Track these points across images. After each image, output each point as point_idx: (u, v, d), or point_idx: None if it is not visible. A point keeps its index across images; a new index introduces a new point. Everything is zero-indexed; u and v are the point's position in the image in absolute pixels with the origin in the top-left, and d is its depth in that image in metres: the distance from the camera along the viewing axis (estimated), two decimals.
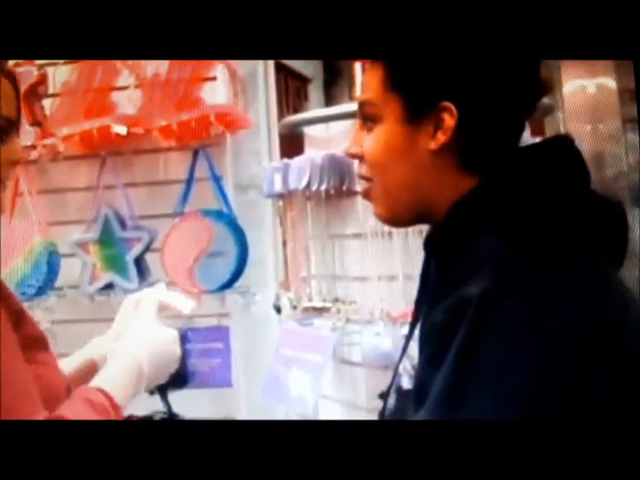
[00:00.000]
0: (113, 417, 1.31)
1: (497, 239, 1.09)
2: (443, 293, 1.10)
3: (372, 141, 1.20)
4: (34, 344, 1.37)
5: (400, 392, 1.19)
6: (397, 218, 1.24)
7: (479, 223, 1.13)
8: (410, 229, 2.28)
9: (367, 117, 1.21)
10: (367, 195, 1.25)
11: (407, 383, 1.20)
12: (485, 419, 0.99)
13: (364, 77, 1.24)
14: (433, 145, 1.16)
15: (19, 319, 1.35)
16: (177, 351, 1.45)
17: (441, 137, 1.16)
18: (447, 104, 1.15)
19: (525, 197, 1.13)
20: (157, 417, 1.66)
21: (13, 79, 1.39)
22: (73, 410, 1.30)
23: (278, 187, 2.63)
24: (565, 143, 1.20)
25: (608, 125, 4.09)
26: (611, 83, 4.14)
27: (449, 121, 1.15)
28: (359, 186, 1.31)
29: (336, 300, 2.55)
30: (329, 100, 4.32)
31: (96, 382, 1.37)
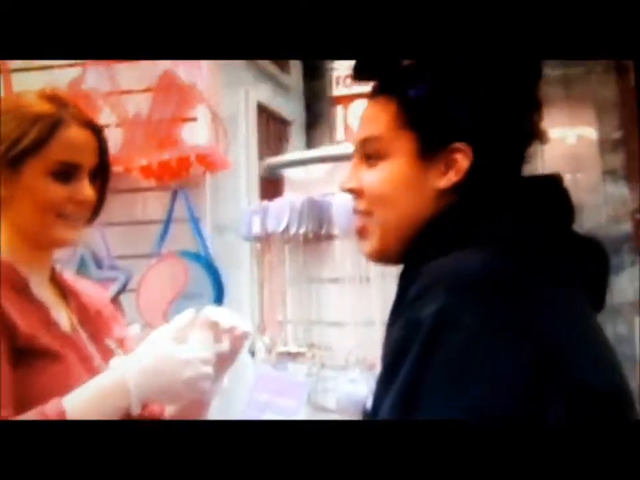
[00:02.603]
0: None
1: (451, 259, 1.09)
2: (399, 313, 1.10)
3: (377, 176, 1.19)
4: (41, 354, 1.42)
5: (365, 413, 1.18)
6: (388, 252, 1.23)
7: (440, 245, 1.13)
8: (387, 274, 2.27)
9: (371, 153, 1.20)
10: (363, 230, 1.23)
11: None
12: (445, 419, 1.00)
13: (367, 112, 1.23)
14: (442, 184, 1.16)
15: (18, 329, 1.41)
16: (187, 374, 1.41)
17: (453, 177, 1.16)
18: (462, 145, 1.15)
19: (492, 222, 1.13)
20: None
21: (97, 131, 1.54)
22: (25, 417, 1.32)
23: (256, 229, 2.63)
24: (554, 180, 1.20)
25: (587, 175, 4.12)
26: (591, 133, 4.17)
27: (463, 161, 1.15)
28: (354, 223, 1.29)
29: (311, 345, 2.53)
30: (310, 142, 4.34)
31: (70, 394, 1.37)
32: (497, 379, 1.01)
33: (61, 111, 1.49)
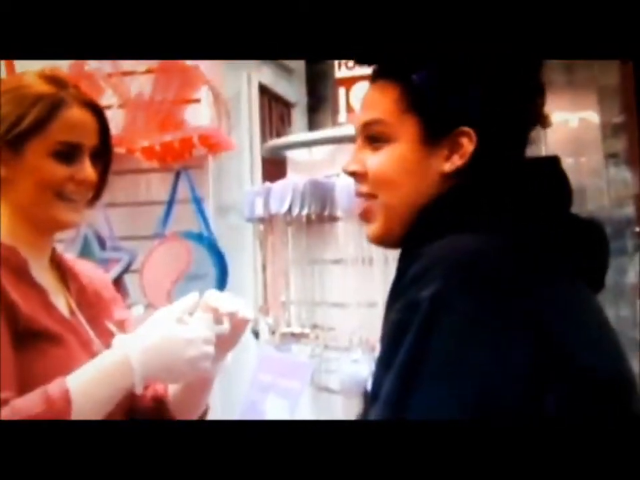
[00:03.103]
0: (56, 411, 1.31)
1: (449, 242, 1.09)
2: (398, 295, 1.10)
3: (381, 159, 1.18)
4: (42, 338, 1.43)
5: (365, 394, 1.19)
6: (391, 236, 1.23)
7: (439, 227, 1.13)
8: (390, 256, 2.27)
9: (375, 136, 1.20)
10: (366, 213, 1.23)
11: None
12: (431, 418, 1.00)
13: (370, 96, 1.23)
14: (447, 168, 1.16)
15: (19, 311, 1.41)
16: (190, 353, 1.41)
17: (458, 161, 1.16)
18: (466, 129, 1.15)
19: (489, 205, 1.13)
20: None
21: (98, 112, 1.54)
22: (27, 398, 1.33)
23: (259, 210, 2.62)
24: (552, 162, 1.20)
25: (590, 159, 4.11)
26: (593, 117, 4.17)
27: (468, 145, 1.15)
28: (357, 207, 1.29)
29: (315, 326, 2.53)
30: (312, 125, 4.33)
31: (73, 374, 1.38)
32: (494, 362, 1.01)
33: (61, 92, 1.49)
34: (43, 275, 1.54)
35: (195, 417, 1.66)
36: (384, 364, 1.08)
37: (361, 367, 2.30)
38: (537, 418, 1.00)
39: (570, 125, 4.20)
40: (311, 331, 2.51)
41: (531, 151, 1.22)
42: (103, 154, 1.57)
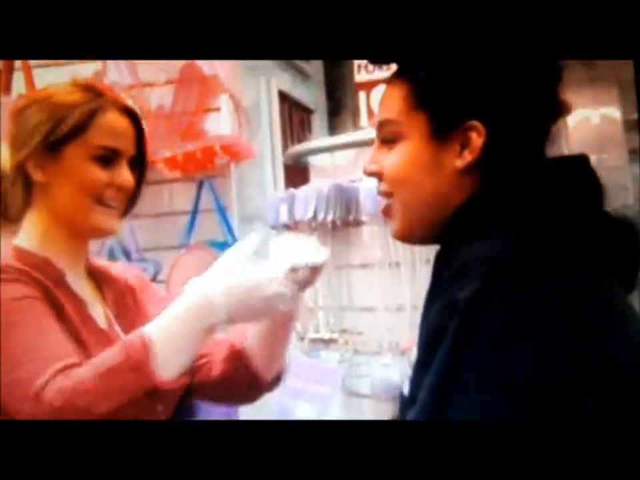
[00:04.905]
0: (136, 358, 1.30)
1: (487, 243, 1.08)
2: (435, 297, 1.10)
3: (394, 159, 1.18)
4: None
5: (402, 397, 1.18)
6: (413, 234, 1.23)
7: (473, 228, 1.12)
8: (417, 259, 2.27)
9: (388, 136, 1.20)
10: (387, 211, 1.24)
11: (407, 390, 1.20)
12: (474, 419, 0.99)
13: (383, 96, 1.23)
14: (459, 163, 1.15)
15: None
16: (268, 290, 1.39)
17: (468, 156, 1.15)
18: (475, 123, 1.14)
19: (524, 206, 1.12)
20: None
21: (136, 118, 1.52)
22: (105, 353, 1.32)
23: (284, 217, 2.62)
24: (580, 161, 1.19)
25: (612, 155, 4.09)
26: (615, 113, 4.15)
27: (477, 140, 1.14)
28: (379, 207, 1.29)
29: (343, 331, 2.53)
30: (333, 130, 4.33)
31: (149, 324, 1.37)
32: (533, 363, 1.00)
33: (98, 99, 1.49)
34: (80, 284, 1.53)
35: (273, 373, 1.63)
36: (422, 367, 1.07)
37: (391, 371, 2.29)
38: (577, 418, 1.00)
39: (591, 121, 4.18)
40: (339, 336, 2.51)
41: (552, 149, 1.21)
42: (139, 161, 1.56)
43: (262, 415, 2.64)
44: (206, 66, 2.94)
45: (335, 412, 2.47)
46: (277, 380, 1.67)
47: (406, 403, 1.14)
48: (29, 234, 1.50)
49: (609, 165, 4.05)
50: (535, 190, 1.14)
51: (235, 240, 2.86)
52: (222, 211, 2.90)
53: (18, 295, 1.38)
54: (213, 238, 2.87)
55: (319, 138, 4.09)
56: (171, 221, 2.95)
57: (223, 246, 2.84)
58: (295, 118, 4.03)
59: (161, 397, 1.34)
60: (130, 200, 1.56)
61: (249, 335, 1.60)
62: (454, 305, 1.03)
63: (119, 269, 1.69)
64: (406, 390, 1.14)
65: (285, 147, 3.59)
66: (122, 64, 2.96)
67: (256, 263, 1.41)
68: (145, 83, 2.96)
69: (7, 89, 3.14)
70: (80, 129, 1.46)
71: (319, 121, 4.34)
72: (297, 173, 3.25)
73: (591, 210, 1.15)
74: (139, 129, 1.54)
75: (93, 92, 1.51)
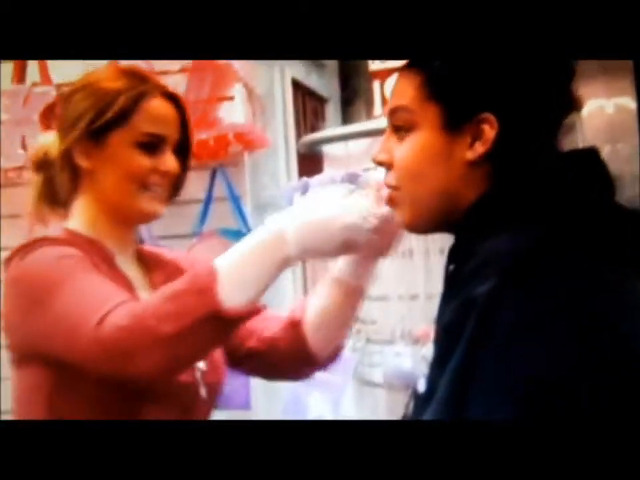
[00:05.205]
0: (200, 284, 1.30)
1: (505, 239, 1.08)
2: (453, 294, 1.09)
3: (405, 149, 1.18)
4: None
5: (416, 395, 1.18)
6: (421, 225, 1.22)
7: (490, 224, 1.12)
8: (431, 248, 2.26)
9: (400, 124, 1.20)
10: (391, 202, 1.23)
11: (422, 387, 1.20)
12: (488, 419, 0.98)
13: (395, 84, 1.23)
14: (470, 155, 1.15)
15: None
16: (347, 219, 1.35)
17: (480, 148, 1.14)
18: (488, 115, 1.13)
19: (539, 201, 1.12)
20: None
21: (176, 101, 1.52)
22: (175, 281, 1.33)
23: None
24: (591, 154, 1.19)
25: (626, 145, 4.07)
26: (629, 102, 4.13)
27: (489, 132, 1.14)
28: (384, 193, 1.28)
29: (356, 320, 2.52)
30: (346, 119, 4.32)
31: (221, 257, 1.36)
32: (550, 360, 1.00)
33: (142, 85, 1.49)
34: (128, 268, 1.53)
35: (329, 350, 1.63)
36: (439, 363, 1.06)
37: (404, 359, 2.30)
38: (595, 416, 0.99)
39: (605, 111, 4.16)
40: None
41: (566, 139, 1.20)
42: (184, 147, 1.56)
43: (275, 403, 2.65)
44: None
45: (348, 401, 2.47)
46: (332, 357, 1.66)
47: (421, 400, 1.13)
48: (78, 219, 1.52)
49: (623, 154, 4.03)
50: (547, 185, 1.14)
51: (248, 229, 2.86)
52: (235, 200, 2.90)
53: (71, 253, 1.41)
54: (226, 226, 2.87)
55: (333, 127, 4.08)
56: (184, 209, 2.94)
57: (236, 234, 2.84)
58: (308, 106, 4.02)
59: (224, 329, 1.34)
60: (174, 185, 1.57)
61: (310, 308, 1.60)
62: (472, 301, 1.03)
63: (171, 253, 1.70)
64: (420, 387, 1.14)
65: (299, 135, 3.58)
66: None
67: (336, 199, 1.41)
68: (159, 71, 2.95)
69: (21, 78, 3.15)
70: (124, 115, 1.47)
71: (332, 109, 4.33)
72: (310, 162, 3.25)
73: (605, 204, 1.15)
74: (183, 114, 1.54)
75: (138, 78, 1.51)
